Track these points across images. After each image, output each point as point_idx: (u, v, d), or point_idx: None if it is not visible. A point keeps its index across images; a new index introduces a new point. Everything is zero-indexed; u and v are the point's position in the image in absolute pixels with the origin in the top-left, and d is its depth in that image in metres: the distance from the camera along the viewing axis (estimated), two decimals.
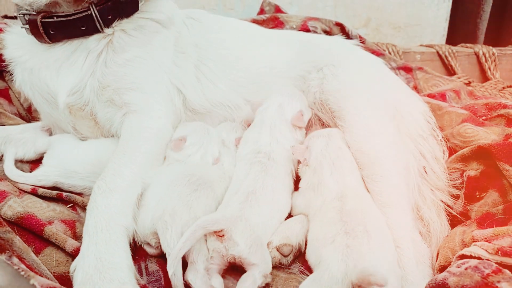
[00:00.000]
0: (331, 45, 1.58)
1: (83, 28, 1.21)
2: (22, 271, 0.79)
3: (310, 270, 1.03)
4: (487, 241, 0.85)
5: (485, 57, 2.29)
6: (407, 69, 1.96)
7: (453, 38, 2.90)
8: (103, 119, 1.28)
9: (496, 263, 0.79)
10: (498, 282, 0.72)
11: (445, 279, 0.77)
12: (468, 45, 2.37)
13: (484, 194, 1.19)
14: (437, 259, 1.00)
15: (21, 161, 1.41)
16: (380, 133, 1.26)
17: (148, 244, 1.07)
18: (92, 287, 0.88)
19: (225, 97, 1.45)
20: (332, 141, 1.27)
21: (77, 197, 1.21)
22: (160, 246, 1.04)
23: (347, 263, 0.92)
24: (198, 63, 1.43)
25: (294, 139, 1.34)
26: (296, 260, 1.12)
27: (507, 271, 0.74)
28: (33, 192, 1.20)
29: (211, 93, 1.43)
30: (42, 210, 1.12)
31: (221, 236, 1.01)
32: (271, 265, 1.03)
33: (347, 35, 2.00)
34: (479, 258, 0.82)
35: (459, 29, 2.96)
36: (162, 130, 1.28)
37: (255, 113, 1.40)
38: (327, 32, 2.00)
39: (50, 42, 1.22)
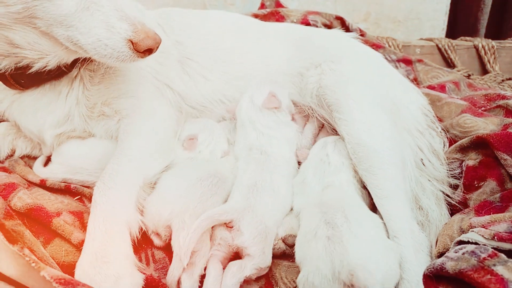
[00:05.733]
0: (330, 40, 1.59)
1: (51, 73, 1.19)
2: (33, 262, 0.82)
3: None
4: (484, 227, 0.88)
5: (484, 50, 2.30)
6: (407, 62, 1.98)
7: (453, 32, 2.91)
8: (100, 131, 1.31)
9: (493, 248, 0.81)
10: (494, 265, 0.74)
11: (443, 264, 0.80)
12: (467, 38, 2.39)
13: (483, 183, 1.21)
14: (436, 246, 1.02)
15: (28, 157, 1.44)
16: (378, 126, 1.27)
17: (157, 234, 1.09)
18: (89, 283, 0.89)
19: (220, 91, 1.46)
20: (324, 149, 1.31)
21: (85, 188, 1.23)
22: (167, 239, 1.07)
23: (333, 260, 0.91)
24: (182, 59, 1.44)
25: (278, 123, 1.37)
26: None
27: (502, 255, 0.76)
28: (42, 184, 1.23)
29: (203, 86, 1.44)
30: (50, 202, 1.14)
31: (230, 227, 1.04)
32: (268, 261, 1.06)
33: (347, 28, 2.02)
34: (476, 243, 0.85)
35: (460, 22, 2.96)
36: (158, 124, 1.30)
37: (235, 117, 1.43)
38: (328, 26, 2.02)
39: (23, 89, 1.22)
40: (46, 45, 1.07)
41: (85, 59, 1.20)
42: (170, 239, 1.05)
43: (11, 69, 1.14)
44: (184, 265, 0.96)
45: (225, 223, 1.06)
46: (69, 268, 0.98)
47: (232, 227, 1.04)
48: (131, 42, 1.00)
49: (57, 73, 1.20)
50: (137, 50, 1.01)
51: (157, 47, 1.05)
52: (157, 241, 1.10)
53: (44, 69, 1.14)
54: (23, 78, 1.18)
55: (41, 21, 1.01)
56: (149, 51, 1.03)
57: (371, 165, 1.20)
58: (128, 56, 1.01)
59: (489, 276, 0.72)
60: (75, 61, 1.21)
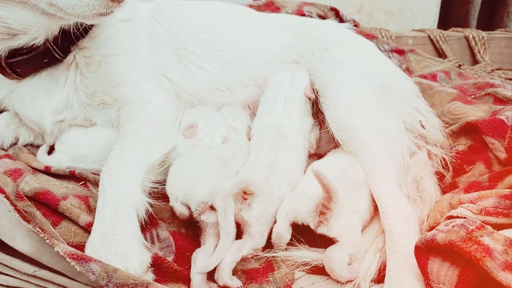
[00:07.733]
0: (324, 29, 1.62)
1: (46, 60, 1.24)
2: (47, 239, 0.85)
3: (304, 242, 1.11)
4: (472, 202, 0.93)
5: (474, 41, 2.36)
6: (400, 52, 2.03)
7: (445, 23, 2.96)
8: (101, 120, 1.35)
9: (480, 221, 0.86)
10: (481, 236, 0.79)
11: (434, 236, 0.85)
12: (458, 29, 2.44)
13: (472, 166, 1.27)
14: (427, 221, 1.08)
15: (31, 145, 1.47)
16: (360, 106, 1.29)
17: (186, 206, 1.12)
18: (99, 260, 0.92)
19: (217, 80, 1.49)
20: None
21: (89, 174, 1.26)
22: (198, 213, 1.10)
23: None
24: (177, 50, 1.47)
25: (307, 110, 1.39)
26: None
27: (489, 226, 0.81)
28: (46, 171, 1.27)
29: (200, 76, 1.47)
30: (56, 187, 1.18)
31: (245, 199, 1.08)
32: (264, 243, 1.10)
33: (341, 19, 2.07)
34: (464, 217, 0.90)
35: (451, 14, 3.01)
36: (158, 110, 1.34)
37: (265, 88, 1.42)
38: (322, 17, 2.06)
39: (20, 78, 1.26)
40: (29, 16, 1.11)
41: (77, 44, 1.25)
42: (199, 214, 1.09)
43: (5, 54, 1.18)
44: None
45: (244, 192, 1.08)
46: (77, 248, 1.00)
47: (247, 199, 1.08)
48: None
49: (51, 60, 1.24)
50: None
51: None
52: (183, 211, 1.12)
53: (33, 45, 1.17)
54: (19, 66, 1.22)
55: None
56: None
57: (355, 147, 1.24)
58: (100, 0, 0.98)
59: (476, 246, 0.77)
60: (69, 48, 1.25)
